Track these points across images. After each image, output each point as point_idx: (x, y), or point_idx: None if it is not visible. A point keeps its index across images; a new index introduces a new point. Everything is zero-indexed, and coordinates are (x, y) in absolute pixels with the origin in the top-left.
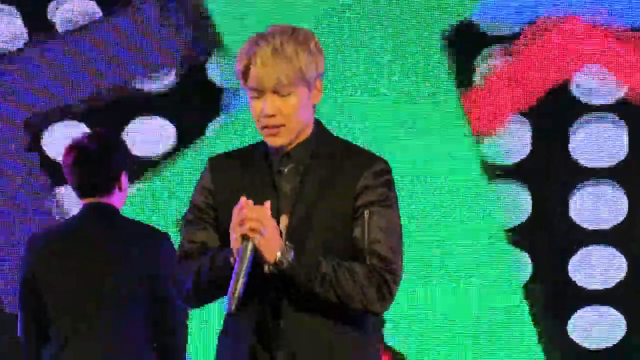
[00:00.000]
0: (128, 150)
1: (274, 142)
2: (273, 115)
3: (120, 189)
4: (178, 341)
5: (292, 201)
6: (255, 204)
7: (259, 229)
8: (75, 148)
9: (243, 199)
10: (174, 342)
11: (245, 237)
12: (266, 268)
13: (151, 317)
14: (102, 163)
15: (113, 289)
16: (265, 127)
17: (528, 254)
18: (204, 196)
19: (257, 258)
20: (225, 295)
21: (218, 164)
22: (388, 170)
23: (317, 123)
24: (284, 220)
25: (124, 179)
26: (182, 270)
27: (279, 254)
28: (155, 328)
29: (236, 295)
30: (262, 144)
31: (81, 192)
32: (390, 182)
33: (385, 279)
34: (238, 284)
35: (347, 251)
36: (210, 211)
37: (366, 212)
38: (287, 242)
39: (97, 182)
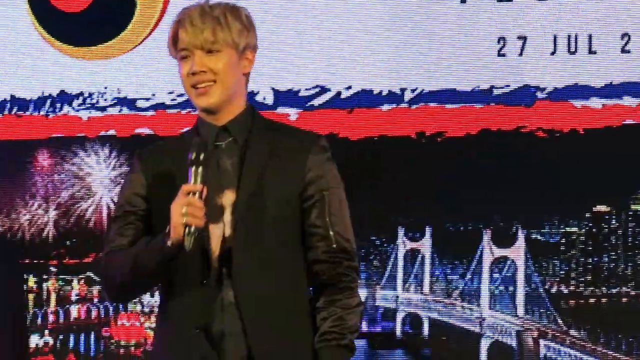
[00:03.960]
0: None
1: (204, 101)
2: (203, 72)
3: None
4: None
5: (236, 175)
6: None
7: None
8: None
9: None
10: None
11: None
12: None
13: None
14: None
15: None
16: (195, 86)
17: None
18: (133, 189)
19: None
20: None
21: (146, 154)
22: (328, 147)
23: (251, 106)
24: (230, 195)
25: None
26: (112, 263)
27: None
28: None
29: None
30: (192, 128)
31: None
32: (332, 157)
33: (353, 276)
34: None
35: (296, 224)
36: (141, 204)
37: (325, 195)
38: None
39: None
